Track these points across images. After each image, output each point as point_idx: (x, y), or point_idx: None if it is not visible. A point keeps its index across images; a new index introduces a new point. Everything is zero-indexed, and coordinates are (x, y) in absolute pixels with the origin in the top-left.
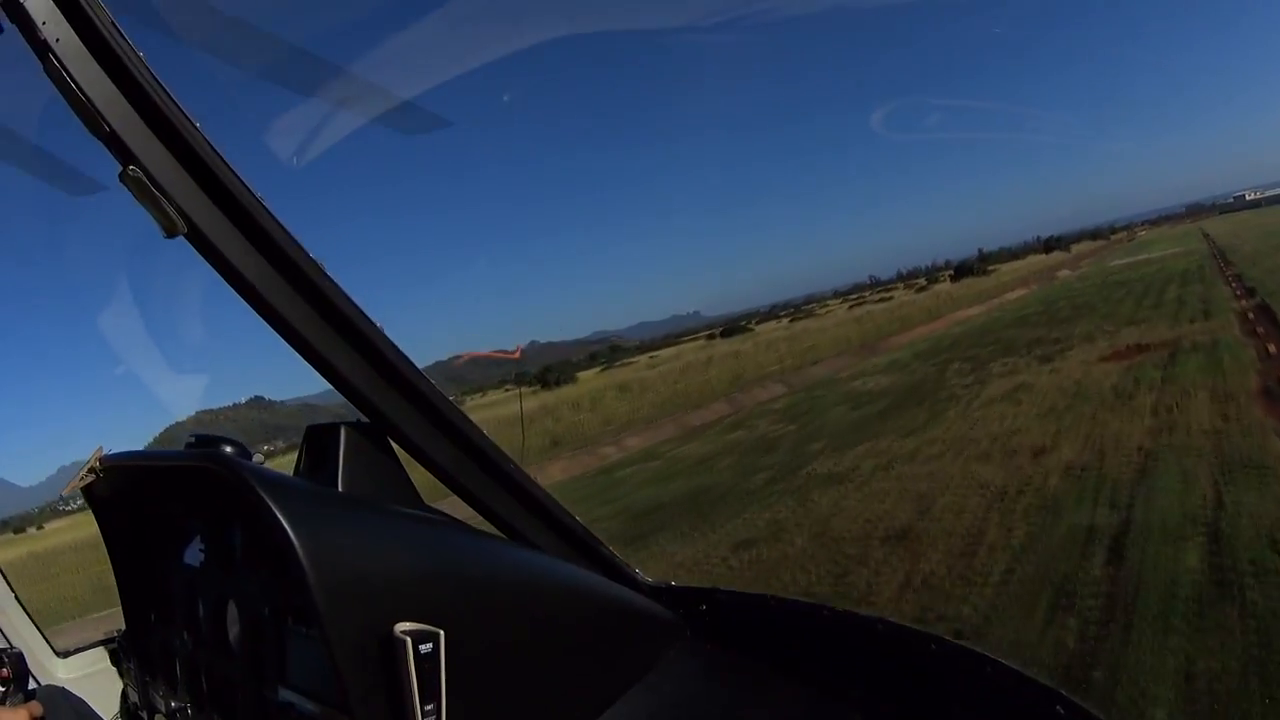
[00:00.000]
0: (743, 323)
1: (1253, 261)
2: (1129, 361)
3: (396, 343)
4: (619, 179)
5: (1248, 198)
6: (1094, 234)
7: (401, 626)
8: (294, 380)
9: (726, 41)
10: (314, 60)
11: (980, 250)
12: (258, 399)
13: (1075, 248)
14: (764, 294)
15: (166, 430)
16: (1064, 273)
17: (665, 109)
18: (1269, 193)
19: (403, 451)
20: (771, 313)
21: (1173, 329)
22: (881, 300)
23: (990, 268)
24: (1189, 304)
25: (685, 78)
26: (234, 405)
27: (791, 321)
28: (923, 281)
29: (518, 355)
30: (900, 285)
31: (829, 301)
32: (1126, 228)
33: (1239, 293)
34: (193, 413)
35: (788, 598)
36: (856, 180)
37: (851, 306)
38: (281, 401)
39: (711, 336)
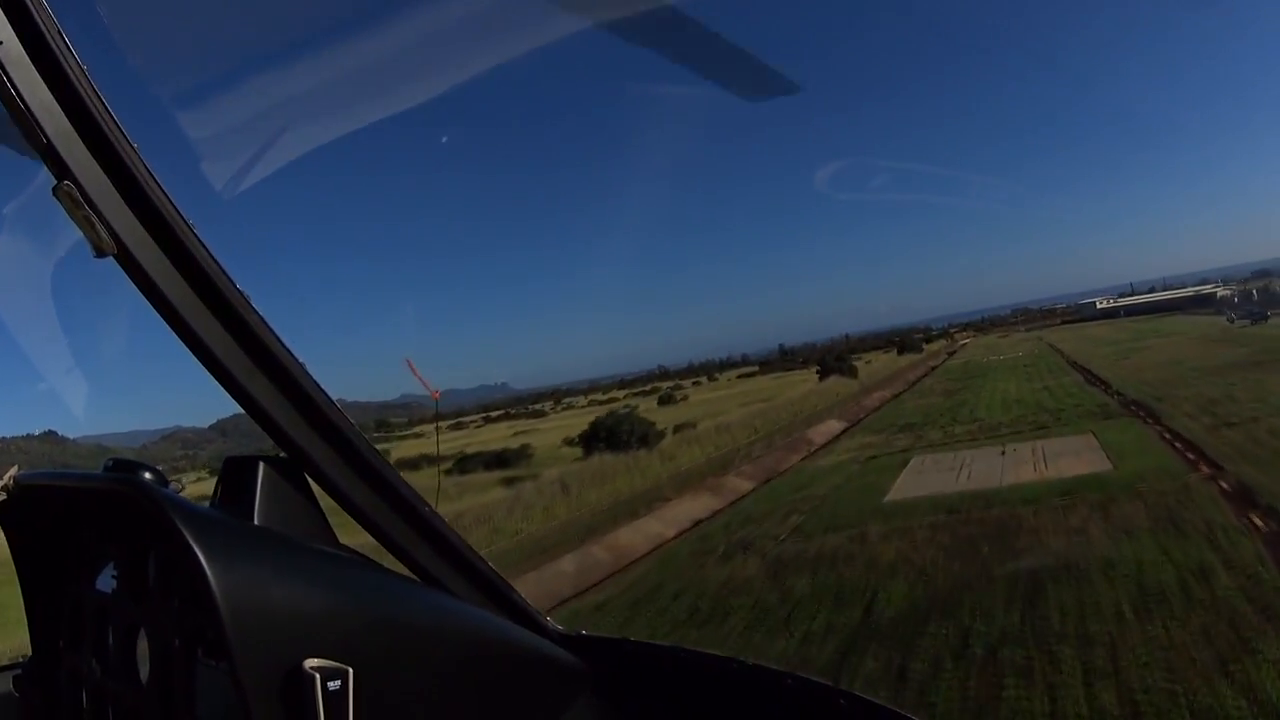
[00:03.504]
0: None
1: None
2: None
3: (319, 380)
4: (452, 240)
5: (1099, 305)
6: (902, 339)
7: (310, 663)
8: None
9: None
10: (253, 88)
11: (781, 346)
12: (51, 433)
13: (869, 360)
14: (578, 368)
15: None
16: (831, 426)
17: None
18: (1125, 300)
19: (319, 488)
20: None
21: None
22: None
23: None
24: None
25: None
26: (26, 436)
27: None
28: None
29: (436, 397)
30: (673, 379)
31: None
32: (944, 332)
33: None
34: None
35: (698, 650)
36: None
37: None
38: (74, 439)
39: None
